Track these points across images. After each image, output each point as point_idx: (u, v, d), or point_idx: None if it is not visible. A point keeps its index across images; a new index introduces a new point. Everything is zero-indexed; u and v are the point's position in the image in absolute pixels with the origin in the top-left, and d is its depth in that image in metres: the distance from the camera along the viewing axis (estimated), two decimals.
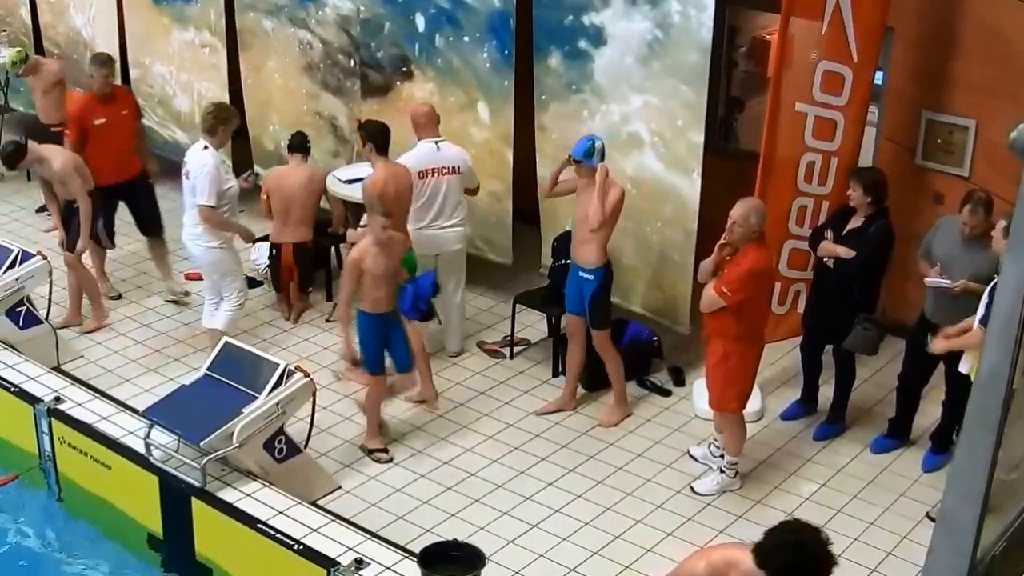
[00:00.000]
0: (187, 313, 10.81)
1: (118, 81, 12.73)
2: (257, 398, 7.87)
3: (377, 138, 9.22)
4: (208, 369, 8.29)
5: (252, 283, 11.07)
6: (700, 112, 9.00)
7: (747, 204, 7.85)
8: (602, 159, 8.69)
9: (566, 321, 9.31)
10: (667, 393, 9.65)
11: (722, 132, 10.98)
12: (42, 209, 12.13)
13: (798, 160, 8.96)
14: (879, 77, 9.42)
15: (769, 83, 8.93)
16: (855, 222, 8.58)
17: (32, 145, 10.33)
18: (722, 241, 7.91)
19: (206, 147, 9.50)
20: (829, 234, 8.65)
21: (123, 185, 10.87)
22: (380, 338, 8.58)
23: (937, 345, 7.93)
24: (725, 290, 7.81)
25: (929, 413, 8.88)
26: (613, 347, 9.20)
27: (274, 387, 7.92)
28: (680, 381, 9.76)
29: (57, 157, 10.17)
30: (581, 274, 8.90)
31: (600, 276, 8.86)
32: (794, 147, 8.93)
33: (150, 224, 11.17)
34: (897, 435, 8.93)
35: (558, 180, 9.07)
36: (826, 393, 9.21)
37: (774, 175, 8.93)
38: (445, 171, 9.54)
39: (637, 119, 9.36)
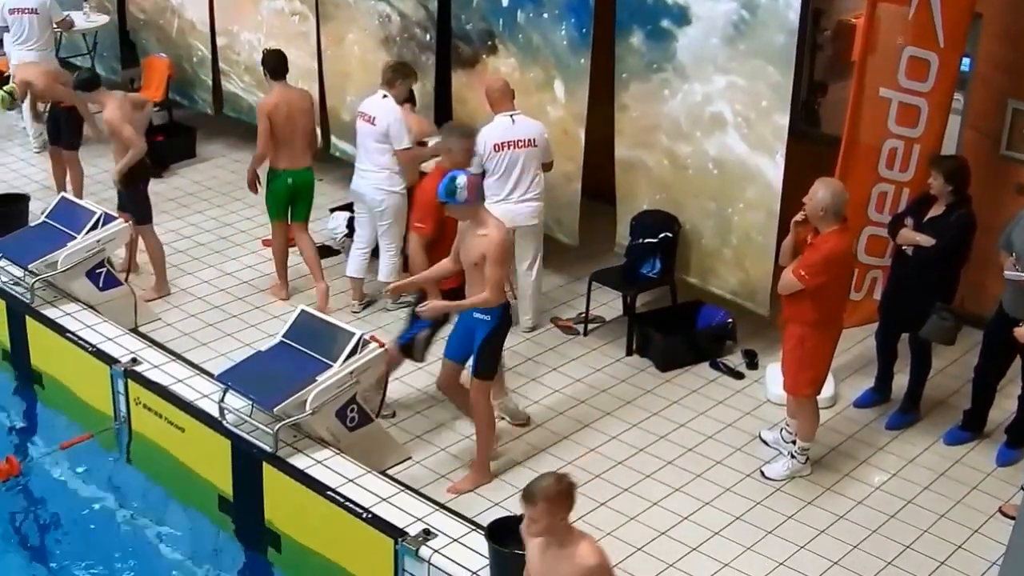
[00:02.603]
0: (265, 279, 10.88)
1: (205, 49, 12.81)
2: (332, 366, 7.95)
3: (268, 64, 10.20)
4: (284, 336, 8.39)
5: (329, 252, 11.16)
6: (786, 94, 8.92)
7: (819, 181, 7.81)
8: (481, 195, 7.87)
9: (442, 370, 8.36)
10: (740, 376, 9.61)
11: (804, 115, 10.88)
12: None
13: (880, 146, 8.87)
14: (965, 64, 9.28)
15: (853, 67, 8.84)
16: (936, 210, 8.48)
17: (101, 90, 10.48)
18: (796, 218, 7.90)
19: (385, 96, 9.91)
20: (909, 221, 8.55)
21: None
22: None
23: (1022, 333, 7.84)
24: (803, 273, 7.76)
25: (1005, 407, 8.78)
26: (490, 405, 8.28)
27: (349, 356, 7.99)
28: (753, 364, 9.70)
29: (110, 105, 10.18)
30: (476, 315, 7.93)
31: (497, 317, 7.94)
32: (877, 132, 8.84)
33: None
34: (971, 427, 8.83)
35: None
36: (900, 382, 9.12)
37: (855, 160, 8.85)
38: (521, 144, 9.54)
39: (720, 99, 9.28)
